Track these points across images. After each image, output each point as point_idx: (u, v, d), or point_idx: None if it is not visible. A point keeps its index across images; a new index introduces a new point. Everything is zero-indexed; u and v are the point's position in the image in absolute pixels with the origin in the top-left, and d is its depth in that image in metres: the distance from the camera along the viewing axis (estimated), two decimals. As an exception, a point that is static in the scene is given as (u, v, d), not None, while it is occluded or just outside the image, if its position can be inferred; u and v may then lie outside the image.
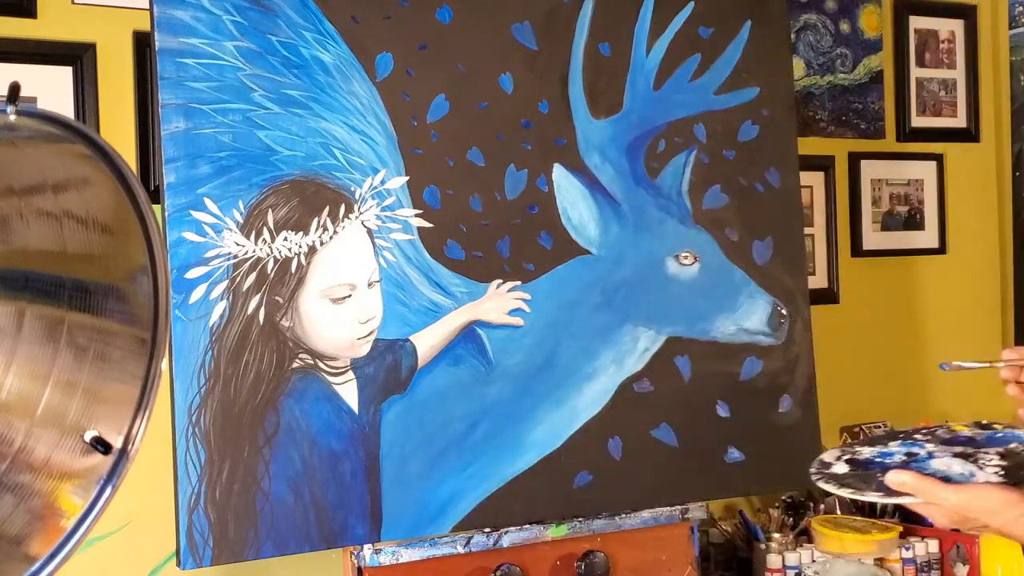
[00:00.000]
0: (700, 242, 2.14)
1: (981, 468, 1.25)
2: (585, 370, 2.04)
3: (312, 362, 1.83)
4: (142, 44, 2.00)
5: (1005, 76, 3.00)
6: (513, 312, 1.99)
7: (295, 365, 1.82)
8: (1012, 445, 1.33)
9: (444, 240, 1.94)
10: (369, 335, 1.88)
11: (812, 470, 1.33)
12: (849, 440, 1.41)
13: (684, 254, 2.12)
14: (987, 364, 1.35)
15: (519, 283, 2.00)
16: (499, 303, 1.98)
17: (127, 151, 2.00)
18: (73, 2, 1.98)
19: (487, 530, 1.96)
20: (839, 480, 1.29)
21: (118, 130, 1.99)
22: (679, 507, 2.11)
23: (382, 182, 1.89)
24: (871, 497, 1.24)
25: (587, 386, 2.04)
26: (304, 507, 1.81)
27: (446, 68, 1.96)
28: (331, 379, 1.85)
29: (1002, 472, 1.23)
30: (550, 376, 2.01)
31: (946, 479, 1.22)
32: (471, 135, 1.97)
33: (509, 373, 1.97)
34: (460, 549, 1.93)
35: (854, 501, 2.45)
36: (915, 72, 2.90)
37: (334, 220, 1.85)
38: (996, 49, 3.01)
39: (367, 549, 1.86)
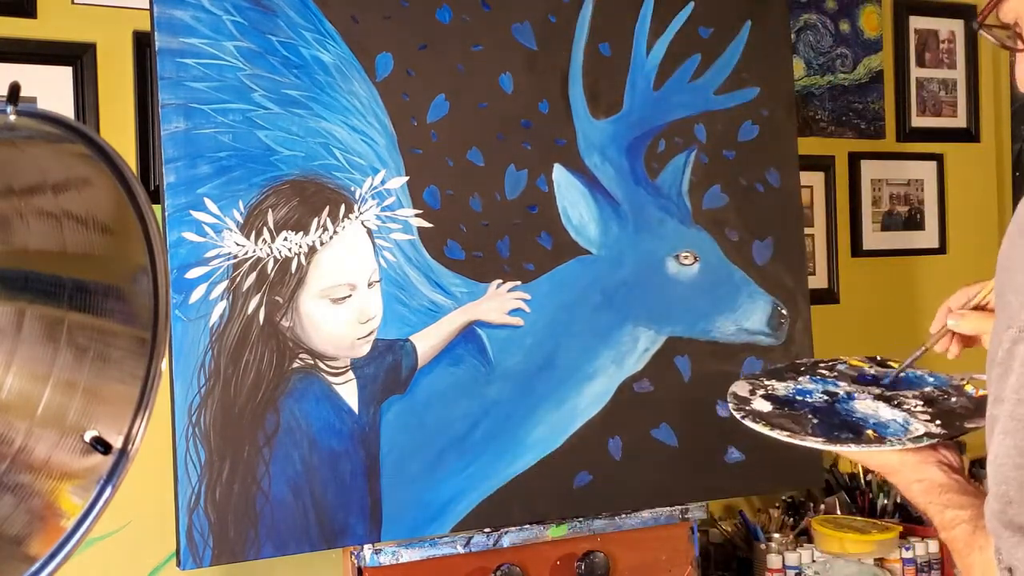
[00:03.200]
0: (700, 242, 2.14)
1: (914, 416, 1.22)
2: (585, 370, 2.04)
3: (312, 362, 1.83)
4: (142, 44, 2.00)
5: (1005, 76, 3.00)
6: (513, 312, 1.99)
7: (295, 365, 1.82)
8: (928, 390, 1.32)
9: (444, 240, 1.94)
10: (369, 335, 1.88)
11: (731, 404, 1.30)
12: (757, 374, 1.39)
13: (684, 254, 2.12)
14: (922, 349, 1.33)
15: (519, 283, 1.99)
16: (499, 303, 1.98)
17: (127, 151, 2.00)
18: (73, 2, 1.98)
19: (487, 530, 1.95)
20: (767, 420, 1.25)
21: (118, 130, 1.99)
22: (679, 507, 2.11)
23: (382, 182, 1.89)
24: (809, 442, 1.20)
25: (587, 386, 2.04)
26: (304, 507, 1.81)
27: (446, 68, 1.96)
28: (331, 379, 1.85)
29: (938, 423, 1.19)
30: (550, 376, 2.01)
31: (880, 426, 1.20)
32: (471, 135, 1.97)
33: (509, 373, 1.97)
34: (460, 549, 1.93)
35: (852, 499, 2.46)
36: (915, 72, 2.90)
37: (334, 220, 1.85)
38: (996, 49, 3.01)
39: (367, 549, 1.86)
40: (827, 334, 2.49)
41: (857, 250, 2.82)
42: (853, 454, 1.19)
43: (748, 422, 1.26)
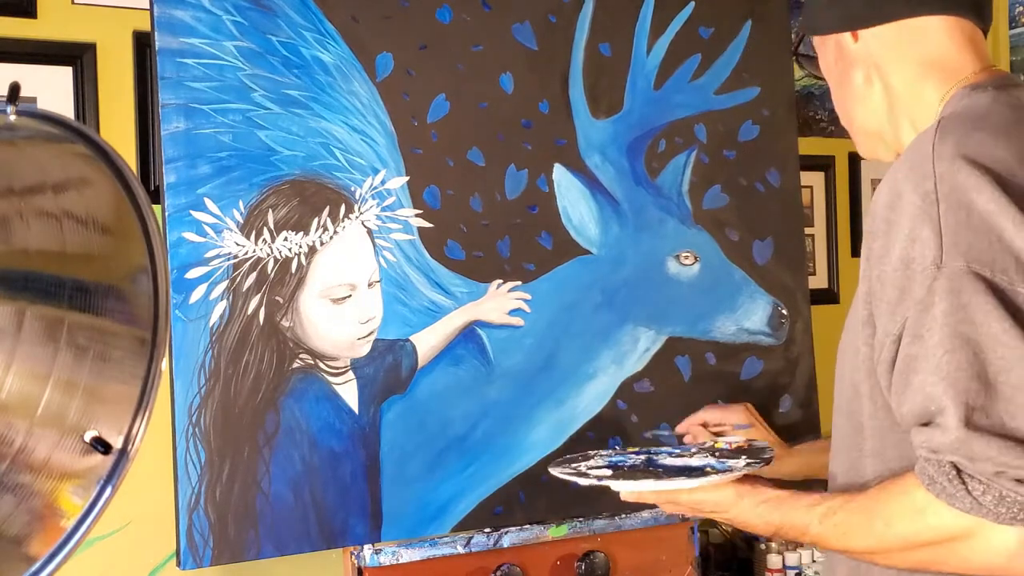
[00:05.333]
0: (700, 242, 2.14)
1: (717, 459, 1.31)
2: (585, 370, 2.04)
3: (312, 362, 1.83)
4: (142, 44, 2.00)
5: (1005, 76, 2.99)
6: (513, 312, 1.99)
7: (295, 365, 1.82)
8: (695, 449, 1.46)
9: (444, 240, 1.94)
10: (369, 335, 1.88)
11: (577, 480, 1.37)
12: (560, 462, 1.49)
13: (684, 254, 2.12)
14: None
15: (519, 283, 1.99)
16: (499, 303, 1.98)
17: (127, 151, 2.00)
18: (73, 2, 1.98)
19: (487, 530, 1.95)
20: (630, 476, 1.33)
21: (118, 130, 1.99)
22: (679, 507, 2.11)
23: (382, 182, 1.89)
24: (653, 484, 1.28)
25: (587, 386, 2.04)
26: (304, 507, 1.81)
27: (446, 68, 1.96)
28: (331, 379, 1.85)
29: (743, 458, 1.30)
30: (550, 376, 2.01)
31: (687, 468, 1.29)
32: (471, 135, 1.97)
33: (509, 373, 1.97)
34: (460, 549, 1.93)
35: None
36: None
37: (334, 220, 1.85)
38: (996, 49, 3.01)
39: (367, 549, 1.86)
40: (827, 334, 2.48)
41: (857, 250, 2.82)
42: (700, 490, 1.26)
43: (603, 482, 1.32)
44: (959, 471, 0.99)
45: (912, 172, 1.06)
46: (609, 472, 1.37)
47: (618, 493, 1.35)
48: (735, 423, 1.77)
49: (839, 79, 1.29)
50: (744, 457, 1.32)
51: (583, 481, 1.35)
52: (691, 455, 1.40)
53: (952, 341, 0.99)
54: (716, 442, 1.46)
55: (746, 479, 1.26)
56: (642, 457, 1.47)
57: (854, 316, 1.19)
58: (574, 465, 1.44)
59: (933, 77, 1.19)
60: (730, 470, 1.26)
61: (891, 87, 1.23)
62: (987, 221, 1.00)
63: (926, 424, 1.03)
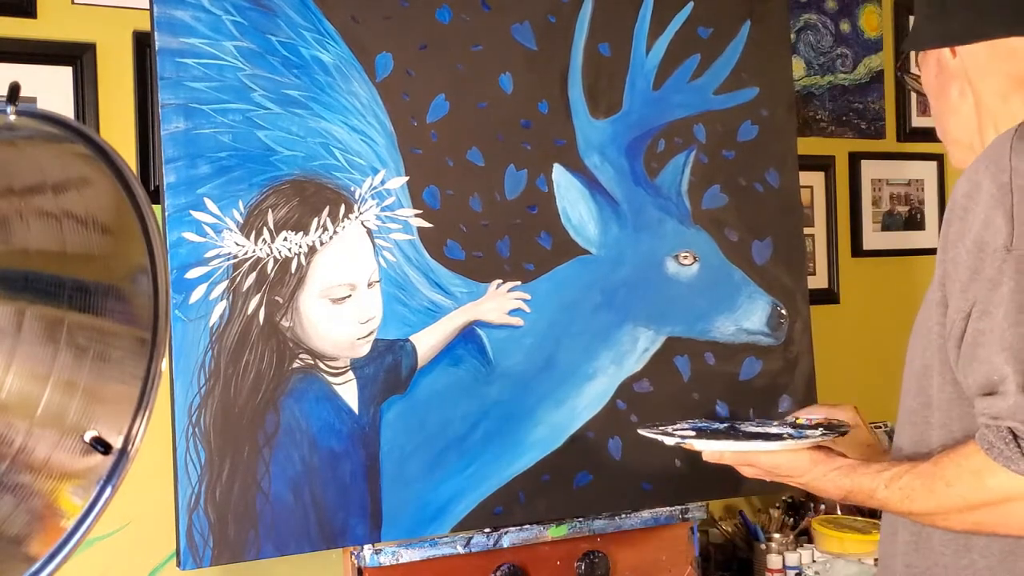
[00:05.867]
0: (700, 242, 2.14)
1: (808, 434, 1.37)
2: (585, 370, 2.04)
3: (312, 362, 1.83)
4: (142, 44, 2.00)
5: (1005, 76, 3.00)
6: (513, 312, 1.99)
7: (295, 365, 1.82)
8: (778, 422, 1.50)
9: (444, 240, 1.94)
10: (369, 335, 1.88)
11: (659, 437, 1.45)
12: (650, 425, 1.53)
13: (684, 254, 2.12)
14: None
15: (519, 283, 2.00)
16: (499, 303, 1.98)
17: (127, 151, 2.00)
18: (73, 2, 1.98)
19: (487, 530, 1.96)
20: (699, 437, 1.41)
21: (118, 130, 1.99)
22: (679, 507, 2.11)
23: (382, 182, 1.89)
24: (725, 445, 1.36)
25: (587, 386, 2.04)
26: (304, 507, 1.81)
27: (446, 68, 1.96)
28: (331, 379, 1.85)
29: (823, 431, 1.37)
30: (550, 376, 2.01)
31: (766, 435, 1.37)
32: (471, 135, 1.97)
33: (509, 373, 1.97)
34: (460, 549, 1.93)
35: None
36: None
37: (334, 220, 1.85)
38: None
39: (367, 549, 1.86)
40: (827, 334, 2.49)
41: (857, 250, 2.82)
42: (763, 455, 1.34)
43: (673, 438, 1.41)
44: (1015, 436, 1.07)
45: (991, 165, 1.15)
46: (693, 433, 1.44)
47: (700, 453, 1.41)
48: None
49: (937, 92, 1.39)
50: (821, 429, 1.39)
51: (668, 440, 1.42)
52: (771, 426, 1.47)
53: (1017, 316, 1.09)
54: (797, 418, 1.51)
55: (820, 448, 1.32)
56: (725, 425, 1.53)
57: (929, 300, 1.26)
58: (660, 427, 1.50)
59: (1021, 92, 1.30)
60: (805, 438, 1.34)
61: (982, 100, 1.33)
62: None
63: (990, 394, 1.11)
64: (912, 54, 1.46)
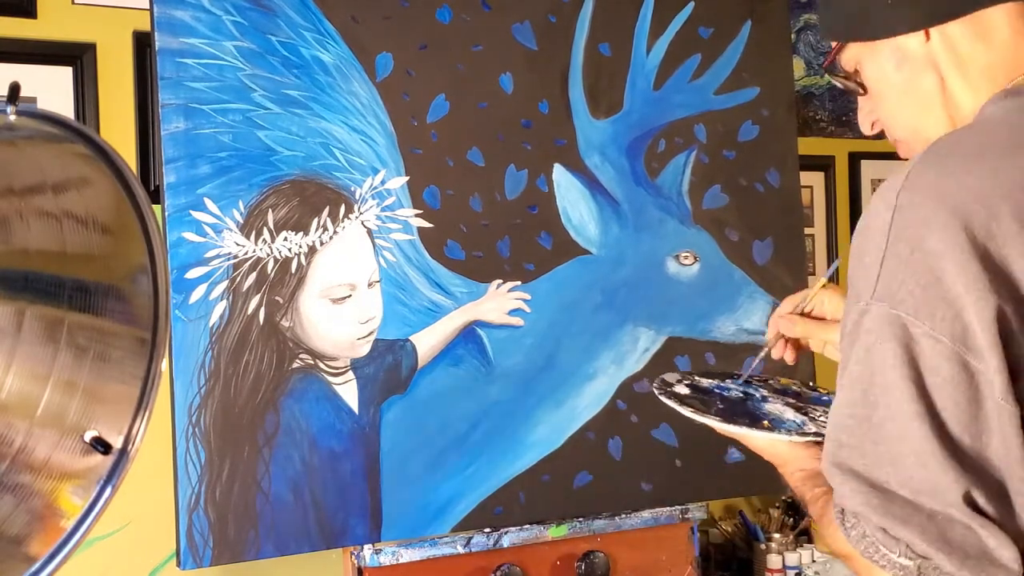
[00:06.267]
0: (700, 242, 2.14)
1: (815, 421, 1.34)
2: (585, 370, 2.04)
3: (312, 362, 1.83)
4: (142, 44, 2.00)
5: (1005, 76, 2.99)
6: (513, 312, 1.99)
7: (295, 365, 1.82)
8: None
9: (444, 240, 1.94)
10: (369, 335, 1.88)
11: (655, 386, 1.43)
12: (690, 372, 1.51)
13: (684, 254, 2.12)
14: (763, 353, 1.53)
15: (519, 283, 2.00)
16: (499, 303, 1.98)
17: (127, 151, 2.00)
18: (73, 2, 1.98)
19: (487, 530, 1.96)
20: (680, 399, 1.39)
21: (118, 130, 1.99)
22: (679, 507, 2.11)
23: (382, 182, 1.89)
24: (708, 420, 1.33)
25: (587, 386, 2.04)
26: (304, 507, 1.81)
27: (446, 68, 1.96)
28: (331, 379, 1.85)
29: (813, 435, 1.32)
30: (550, 376, 2.01)
31: (777, 421, 1.33)
32: (471, 135, 1.97)
33: (509, 373, 1.97)
34: (460, 549, 1.93)
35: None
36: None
37: (334, 220, 1.85)
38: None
39: (367, 549, 1.86)
40: (827, 334, 2.49)
41: (857, 250, 2.82)
42: (746, 438, 1.30)
43: (662, 398, 1.40)
44: (843, 513, 1.00)
45: (880, 200, 1.02)
46: (687, 392, 1.43)
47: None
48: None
49: (904, 87, 1.17)
50: (813, 433, 1.32)
51: (666, 400, 1.41)
52: (791, 405, 1.41)
53: (850, 379, 0.99)
54: (780, 380, 1.49)
55: (810, 445, 1.26)
56: (753, 392, 1.48)
57: None
58: (675, 380, 1.48)
59: (997, 76, 1.11)
60: (781, 432, 1.30)
61: (952, 94, 1.14)
62: (928, 262, 0.94)
63: None
64: (841, 51, 1.23)
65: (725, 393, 1.47)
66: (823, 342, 1.46)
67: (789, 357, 1.50)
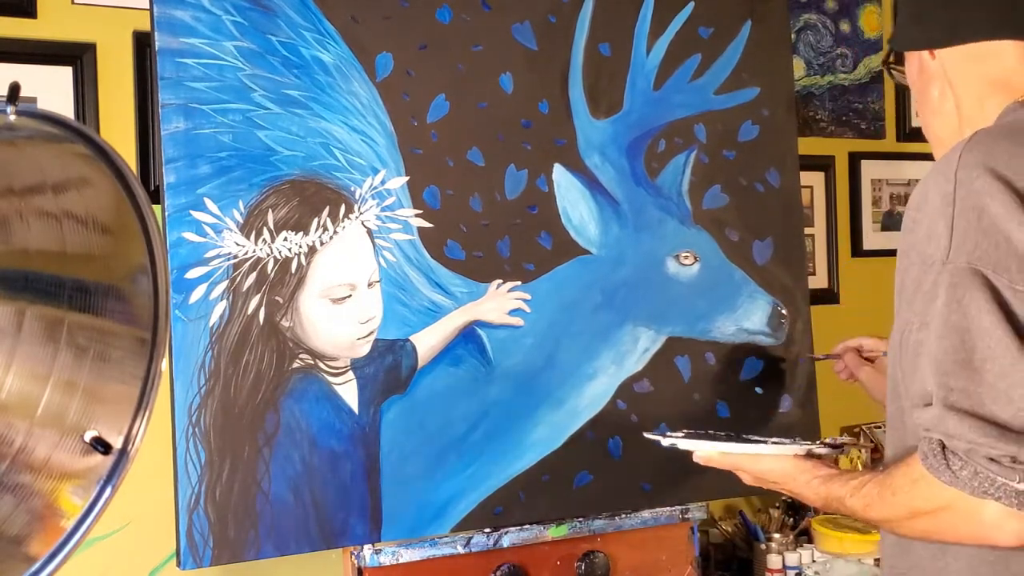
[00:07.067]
0: (700, 242, 2.14)
1: (796, 443, 1.42)
2: (585, 370, 2.04)
3: (312, 362, 1.83)
4: (142, 44, 2.00)
5: (1005, 76, 2.99)
6: (513, 312, 1.99)
7: (295, 365, 1.82)
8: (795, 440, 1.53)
9: (444, 240, 1.94)
10: (369, 335, 1.88)
11: (651, 436, 1.53)
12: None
13: (684, 254, 2.12)
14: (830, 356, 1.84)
15: (519, 283, 1.99)
16: (499, 303, 1.98)
17: (127, 151, 2.00)
18: (73, 2, 1.98)
19: (487, 530, 1.96)
20: (687, 436, 1.49)
21: (118, 130, 1.99)
22: (679, 507, 2.11)
23: (382, 182, 1.89)
24: (723, 446, 1.42)
25: (587, 386, 2.04)
26: (304, 507, 1.81)
27: (446, 68, 1.96)
28: (331, 379, 1.85)
29: (819, 443, 1.41)
30: (550, 376, 2.01)
31: (776, 443, 1.41)
32: (471, 135, 1.97)
33: (509, 373, 1.97)
34: (460, 549, 1.93)
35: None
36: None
37: (334, 220, 1.85)
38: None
39: (367, 549, 1.86)
40: (827, 334, 2.48)
41: (857, 250, 2.82)
42: (752, 459, 1.40)
43: (669, 439, 1.49)
44: (944, 447, 1.10)
45: (939, 176, 1.17)
46: (681, 435, 1.51)
47: (691, 455, 1.47)
48: (885, 351, 1.84)
49: (920, 91, 1.42)
50: (817, 442, 1.42)
51: (664, 442, 1.50)
52: (781, 444, 1.49)
53: (945, 329, 1.10)
54: (823, 439, 1.53)
55: (810, 457, 1.37)
56: (728, 434, 1.58)
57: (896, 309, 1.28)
58: (667, 433, 1.57)
59: (997, 94, 1.31)
60: (785, 445, 1.38)
61: (961, 102, 1.35)
62: (996, 224, 1.10)
63: (926, 405, 1.13)
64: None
65: (713, 435, 1.56)
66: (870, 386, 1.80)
67: (848, 372, 1.85)
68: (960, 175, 1.14)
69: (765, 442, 1.45)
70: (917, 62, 1.40)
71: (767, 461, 1.38)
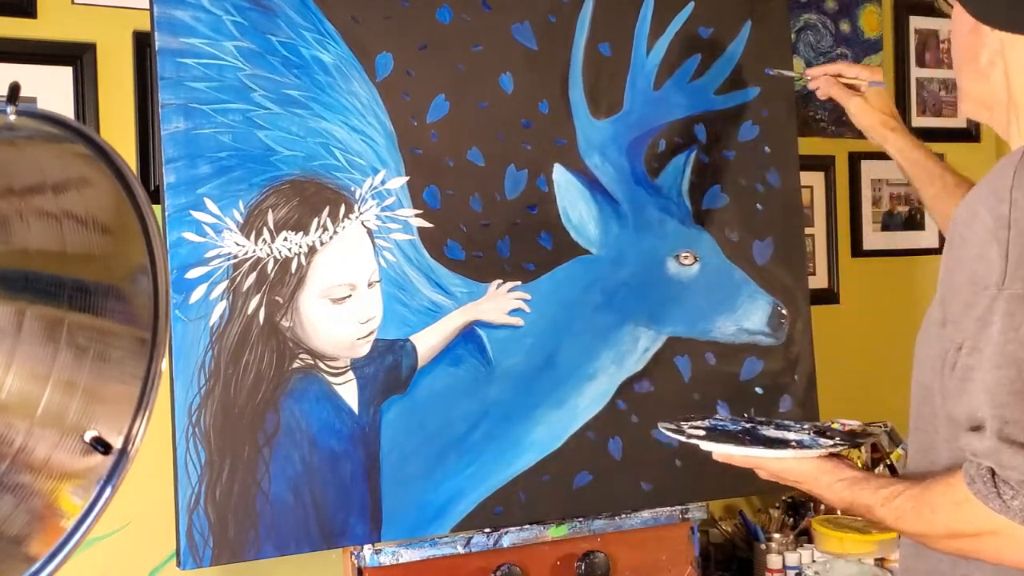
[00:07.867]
0: (700, 242, 2.14)
1: (817, 437, 1.40)
2: (585, 370, 2.04)
3: (312, 362, 1.83)
4: (142, 44, 2.00)
5: (1005, 76, 2.99)
6: (513, 312, 1.99)
7: (295, 365, 1.82)
8: (808, 426, 1.51)
9: (444, 240, 1.94)
10: (369, 335, 1.88)
11: (669, 433, 1.49)
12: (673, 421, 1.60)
13: (684, 254, 2.12)
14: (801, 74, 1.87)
15: (519, 283, 1.99)
16: (499, 303, 1.98)
17: (127, 151, 2.00)
18: (73, 2, 1.98)
19: (487, 530, 1.95)
20: (709, 438, 1.44)
21: (118, 130, 1.99)
22: (679, 507, 2.11)
23: (382, 182, 1.89)
24: (751, 451, 1.38)
25: (587, 386, 2.04)
26: (304, 507, 1.81)
27: (446, 68, 1.96)
28: (331, 379, 1.85)
29: (837, 439, 1.39)
30: (550, 376, 2.01)
31: (798, 443, 1.38)
32: (471, 135, 1.97)
33: (509, 373, 1.97)
34: (460, 549, 1.93)
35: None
36: (915, 72, 2.90)
37: (334, 220, 1.85)
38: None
39: (367, 549, 1.86)
40: (827, 334, 2.49)
41: (857, 250, 2.82)
42: (771, 461, 1.37)
43: (693, 441, 1.44)
44: (994, 475, 1.08)
45: (991, 194, 1.12)
46: (703, 433, 1.47)
47: (710, 453, 1.44)
48: (869, 80, 1.84)
49: (964, 47, 1.32)
50: (837, 438, 1.40)
51: (680, 438, 1.46)
52: (795, 431, 1.47)
53: (1001, 358, 1.08)
54: (832, 422, 1.51)
55: (831, 457, 1.34)
56: (747, 426, 1.54)
57: (930, 318, 1.25)
58: (678, 423, 1.54)
59: None
60: (813, 447, 1.35)
61: (1012, 82, 1.26)
62: None
63: (975, 428, 1.11)
64: None
65: (727, 428, 1.54)
66: (849, 101, 1.82)
67: (821, 92, 1.85)
68: (1016, 195, 1.09)
69: (788, 430, 1.43)
70: (971, 20, 1.30)
71: (788, 461, 1.36)
